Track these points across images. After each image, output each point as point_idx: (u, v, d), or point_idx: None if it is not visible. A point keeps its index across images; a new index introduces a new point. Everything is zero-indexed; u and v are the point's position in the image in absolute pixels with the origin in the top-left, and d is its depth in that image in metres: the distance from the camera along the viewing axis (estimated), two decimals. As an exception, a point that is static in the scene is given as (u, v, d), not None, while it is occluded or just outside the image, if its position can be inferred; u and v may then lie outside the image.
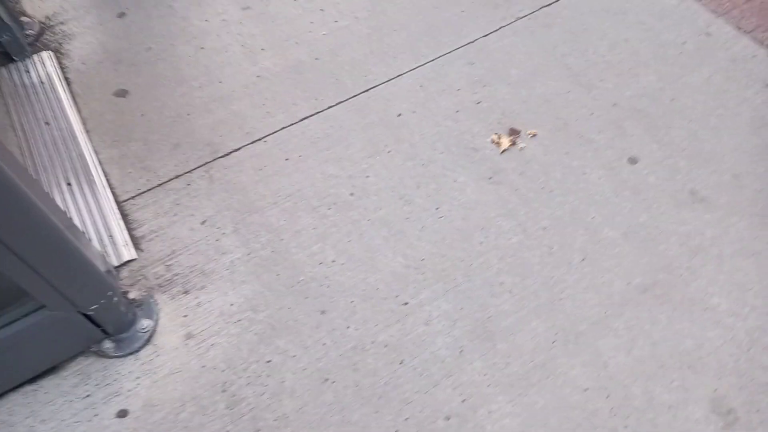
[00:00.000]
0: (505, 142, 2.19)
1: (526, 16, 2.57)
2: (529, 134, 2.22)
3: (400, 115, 2.29)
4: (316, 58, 2.48)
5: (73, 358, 1.81)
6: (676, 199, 2.05)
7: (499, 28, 2.53)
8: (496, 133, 2.22)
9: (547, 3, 2.60)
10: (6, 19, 2.35)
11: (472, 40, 2.50)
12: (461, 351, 1.79)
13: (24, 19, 2.62)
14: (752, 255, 1.94)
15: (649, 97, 2.29)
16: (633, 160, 2.14)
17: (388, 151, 2.20)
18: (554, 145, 2.19)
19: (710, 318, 1.83)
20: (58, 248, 1.51)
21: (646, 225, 2.00)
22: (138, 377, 1.78)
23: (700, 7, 2.53)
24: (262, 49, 2.52)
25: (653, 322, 1.83)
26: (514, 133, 2.22)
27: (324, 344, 1.81)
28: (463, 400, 1.71)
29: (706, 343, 1.79)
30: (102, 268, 1.74)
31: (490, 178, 2.12)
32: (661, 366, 1.76)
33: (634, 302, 1.86)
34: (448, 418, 1.69)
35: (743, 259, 1.93)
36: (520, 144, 2.20)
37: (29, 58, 2.51)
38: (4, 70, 2.48)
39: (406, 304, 1.87)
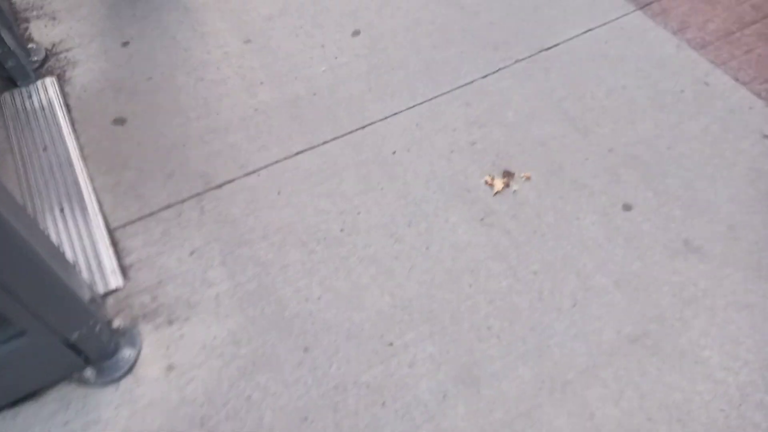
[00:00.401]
0: (499, 183, 2.19)
1: (524, 59, 2.59)
2: (523, 177, 2.21)
3: (394, 152, 2.30)
4: (314, 94, 2.50)
5: (54, 384, 1.79)
6: (670, 249, 2.03)
7: (498, 69, 2.55)
8: (489, 175, 2.22)
9: (546, 47, 2.62)
10: (13, 46, 2.39)
11: (469, 81, 2.52)
12: (445, 395, 1.75)
13: (31, 45, 2.67)
14: (746, 308, 1.91)
15: (646, 144, 2.29)
16: (627, 207, 2.13)
17: (381, 189, 2.19)
18: (548, 189, 2.18)
19: (701, 371, 1.79)
20: (40, 277, 1.50)
21: (639, 273, 1.98)
22: (117, 406, 1.75)
23: (698, 56, 2.54)
24: (261, 83, 2.54)
25: (642, 373, 1.79)
26: (508, 175, 2.22)
27: (305, 382, 1.78)
28: (445, 447, 1.67)
29: (696, 397, 1.75)
30: (87, 296, 1.73)
31: (482, 219, 2.11)
32: (649, 419, 1.72)
33: (624, 352, 1.83)
34: (428, 465, 1.65)
35: (736, 312, 1.90)
36: (514, 186, 2.19)
37: (33, 83, 2.55)
38: (7, 95, 2.51)
39: (391, 344, 1.85)
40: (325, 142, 2.34)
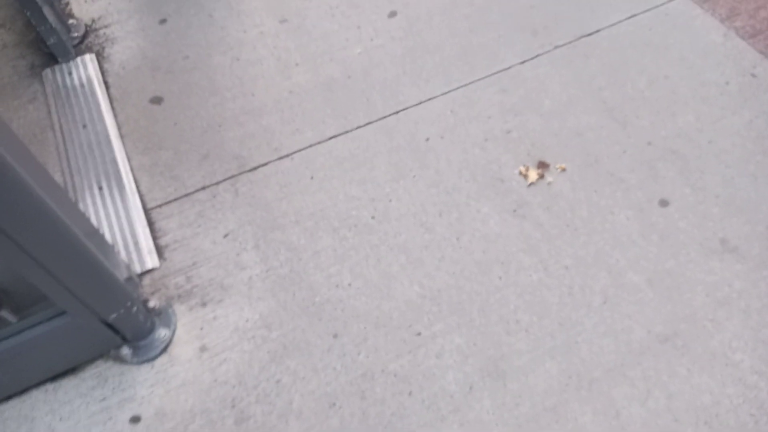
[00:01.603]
0: (533, 174, 2.17)
1: (564, 45, 2.53)
2: (558, 168, 2.19)
3: (428, 139, 2.28)
4: (349, 77, 2.49)
5: (92, 360, 1.87)
6: (706, 247, 1.99)
7: (536, 56, 2.50)
8: (524, 165, 2.20)
9: (587, 33, 2.56)
10: (54, 22, 2.42)
11: (506, 67, 2.47)
12: (471, 387, 1.77)
13: (71, 21, 2.70)
14: (781, 311, 1.88)
15: (686, 138, 2.23)
16: (664, 203, 2.09)
17: (413, 176, 2.19)
18: (583, 182, 2.15)
19: (732, 374, 1.78)
20: (79, 259, 1.55)
21: (672, 272, 1.95)
22: (152, 385, 1.82)
23: (746, 46, 2.45)
24: (296, 64, 2.54)
25: (671, 373, 1.78)
26: (542, 166, 2.19)
27: (334, 368, 1.82)
28: (469, 439, 1.70)
29: (725, 400, 1.74)
30: (124, 275, 1.78)
31: (515, 211, 2.10)
32: (675, 420, 1.71)
33: (653, 352, 1.82)
34: (452, 456, 1.68)
35: (771, 315, 1.87)
36: (548, 178, 2.17)
37: (73, 60, 2.58)
38: (48, 71, 2.55)
39: (419, 334, 1.87)
40: (358, 127, 2.34)
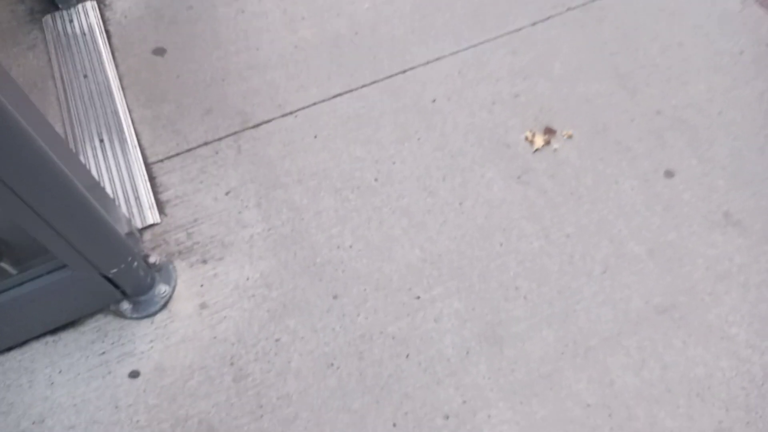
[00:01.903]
0: (539, 140, 2.14)
1: (577, 7, 2.46)
2: (565, 135, 2.16)
3: (434, 101, 2.25)
4: (356, 33, 2.43)
5: (92, 314, 1.88)
6: (709, 220, 1.98)
7: (548, 17, 2.44)
8: (530, 131, 2.17)
9: (602, -5, 2.49)
10: (52, -34, 2.35)
11: (517, 28, 2.41)
12: (468, 352, 1.79)
13: (70, -35, 2.62)
14: (780, 286, 1.88)
15: (696, 108, 2.19)
16: (669, 174, 2.07)
17: (418, 138, 2.16)
18: (589, 150, 2.12)
19: (726, 348, 1.79)
20: (81, 213, 1.54)
21: (674, 244, 1.95)
22: (152, 341, 1.83)
23: (765, 14, 2.39)
24: (302, 18, 2.48)
25: (667, 345, 1.80)
26: (549, 132, 2.16)
27: (333, 329, 1.83)
28: (464, 402, 1.72)
29: (718, 373, 1.76)
30: (125, 230, 1.78)
31: (519, 177, 2.08)
32: (668, 390, 1.74)
33: (650, 322, 1.83)
34: (447, 418, 1.71)
35: (770, 290, 1.87)
36: (555, 144, 2.14)
37: (74, 6, 2.52)
38: (48, 18, 2.49)
39: (418, 298, 1.88)
40: (363, 86, 2.29)
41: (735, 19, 2.39)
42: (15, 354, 1.81)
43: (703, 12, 2.42)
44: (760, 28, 2.37)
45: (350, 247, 1.96)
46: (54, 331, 1.83)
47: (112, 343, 1.81)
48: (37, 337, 1.83)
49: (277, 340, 1.82)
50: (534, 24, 2.43)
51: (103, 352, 1.80)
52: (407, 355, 1.79)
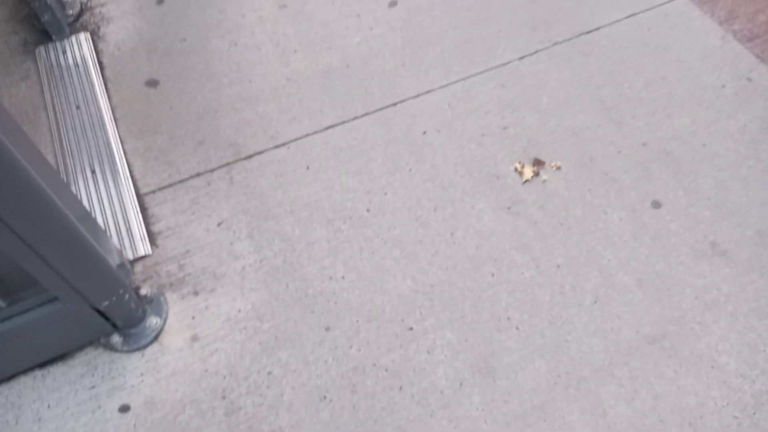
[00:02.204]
0: (528, 172, 2.17)
1: (564, 41, 2.52)
2: (554, 166, 2.19)
3: (425, 133, 2.28)
4: (347, 66, 2.47)
5: (81, 348, 1.86)
6: (696, 250, 2.01)
7: (535, 51, 2.50)
8: (519, 162, 2.20)
9: (587, 30, 2.55)
10: (48, -1, 2.37)
11: (505, 62, 2.47)
12: (461, 384, 1.79)
13: (65, -2, 2.65)
14: None
15: (680, 140, 2.24)
16: (656, 205, 2.11)
17: (409, 170, 2.19)
18: (578, 181, 2.16)
19: (717, 377, 1.81)
20: (72, 244, 1.53)
21: (662, 274, 1.97)
22: (142, 374, 1.82)
23: (744, 50, 2.46)
24: (294, 51, 2.52)
25: (658, 375, 1.81)
26: (538, 163, 2.20)
27: (325, 361, 1.83)
28: (458, 434, 1.72)
29: (710, 402, 1.77)
30: (116, 262, 1.77)
31: (509, 208, 2.10)
32: (660, 420, 1.74)
33: (641, 352, 1.84)
34: (441, 450, 1.70)
35: (758, 320, 1.90)
36: (543, 176, 2.17)
37: (67, 38, 2.54)
38: (42, 49, 2.51)
39: (410, 329, 1.88)
40: (355, 118, 2.32)
41: (716, 54, 2.46)
42: (2, 389, 1.78)
43: (685, 47, 2.49)
44: (740, 62, 2.44)
45: (342, 278, 1.97)
46: (42, 365, 1.81)
47: (102, 377, 1.79)
48: (25, 371, 1.81)
49: (269, 373, 1.80)
50: (522, 58, 2.49)
51: (93, 386, 1.78)
52: (400, 388, 1.79)
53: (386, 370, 1.81)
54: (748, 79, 2.39)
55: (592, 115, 2.31)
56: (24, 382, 1.79)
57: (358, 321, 1.89)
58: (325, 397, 1.76)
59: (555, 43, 2.52)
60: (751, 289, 1.95)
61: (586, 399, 1.77)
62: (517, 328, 1.88)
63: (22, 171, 1.31)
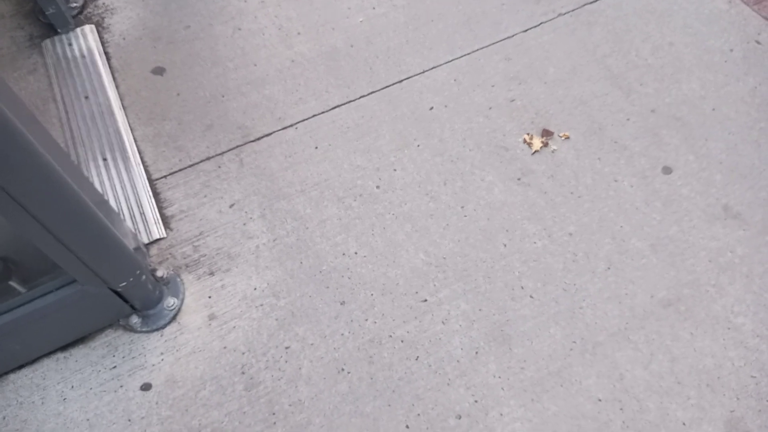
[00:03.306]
0: (537, 142, 2.17)
1: (568, 12, 2.51)
2: (562, 136, 2.19)
3: (432, 108, 2.28)
4: (351, 45, 2.47)
5: (102, 329, 1.88)
6: (709, 214, 2.01)
7: (540, 23, 2.49)
8: (528, 133, 2.20)
9: (591, 0, 2.54)
10: (52, -9, 2.39)
11: (510, 35, 2.46)
12: (477, 352, 1.80)
13: (69, -9, 2.66)
14: (783, 275, 1.90)
15: (690, 105, 2.23)
16: (667, 170, 2.10)
17: (417, 145, 2.19)
18: (587, 150, 2.15)
19: (734, 338, 1.81)
20: (89, 227, 1.55)
21: (675, 238, 1.97)
22: (162, 353, 1.84)
23: (751, 12, 2.44)
24: (298, 33, 2.52)
25: (674, 337, 1.81)
26: (546, 134, 2.20)
27: (342, 335, 1.84)
28: (475, 401, 1.73)
29: (727, 363, 1.77)
30: (132, 245, 1.79)
31: (519, 179, 2.10)
32: (678, 382, 1.75)
33: (656, 316, 1.84)
34: (459, 418, 1.71)
35: (773, 280, 1.89)
36: (552, 146, 2.17)
37: (73, 30, 2.56)
38: (48, 42, 2.53)
39: (425, 301, 1.89)
40: (361, 96, 2.33)
41: (723, 18, 2.44)
42: (26, 371, 1.81)
43: (691, 12, 2.47)
44: (748, 25, 2.41)
45: (355, 253, 1.98)
46: (64, 348, 1.84)
47: (123, 357, 1.82)
48: (48, 354, 1.84)
49: (286, 348, 1.82)
50: (526, 30, 2.48)
51: (114, 366, 1.81)
52: (417, 358, 1.80)
53: (402, 341, 1.82)
54: (757, 42, 2.37)
55: (600, 84, 2.30)
56: (47, 365, 1.82)
57: (372, 294, 1.90)
58: (342, 369, 1.78)
59: (559, 15, 2.51)
60: (765, 250, 1.94)
61: (603, 364, 1.78)
62: (531, 297, 1.89)
63: (40, 158, 1.32)
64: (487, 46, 2.44)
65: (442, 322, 1.85)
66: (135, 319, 1.86)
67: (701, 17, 2.45)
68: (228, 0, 2.64)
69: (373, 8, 2.58)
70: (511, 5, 2.55)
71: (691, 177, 2.08)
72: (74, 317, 1.78)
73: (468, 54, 2.42)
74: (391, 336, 1.83)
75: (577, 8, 2.52)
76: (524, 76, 2.34)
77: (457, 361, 1.79)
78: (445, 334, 1.83)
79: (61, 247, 1.52)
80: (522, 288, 1.90)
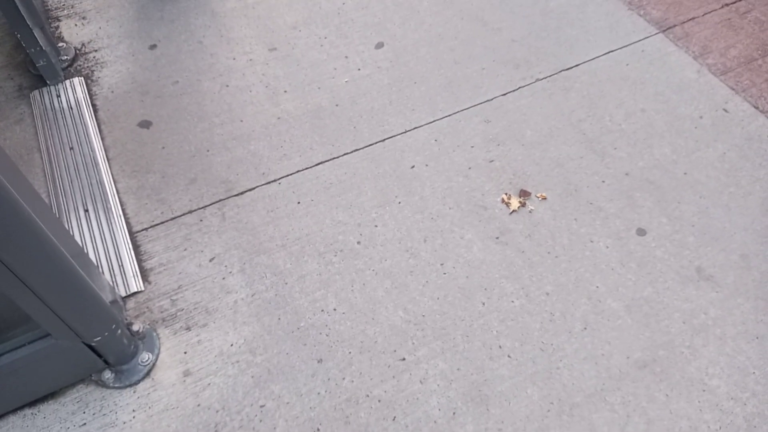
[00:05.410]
0: (515, 202, 2.22)
1: (545, 78, 2.61)
2: (539, 197, 2.24)
3: (413, 167, 2.33)
4: (336, 105, 2.53)
5: (73, 385, 1.84)
6: (682, 276, 2.05)
7: (518, 87, 2.58)
8: (506, 193, 2.25)
9: (567, 67, 2.64)
10: (44, 45, 2.44)
11: (489, 98, 2.54)
12: (454, 413, 1.79)
13: (60, 44, 2.72)
14: (756, 338, 1.93)
15: (662, 169, 2.31)
16: (641, 232, 2.15)
17: (399, 203, 2.23)
18: (563, 210, 2.20)
19: (708, 400, 1.82)
20: (66, 280, 1.54)
21: (650, 299, 2.00)
22: (134, 410, 1.80)
23: (719, 82, 2.56)
24: (284, 91, 2.58)
25: (650, 399, 1.81)
26: (524, 194, 2.25)
27: (318, 393, 1.82)
28: (452, 464, 1.71)
29: (703, 426, 1.78)
30: (109, 298, 1.78)
31: (497, 238, 2.14)
32: (654, 445, 1.74)
33: (632, 377, 1.85)
34: (436, 481, 1.68)
35: (746, 342, 1.92)
36: (530, 206, 2.22)
37: (62, 82, 2.60)
38: (37, 93, 2.57)
39: (403, 359, 1.88)
40: (345, 154, 2.38)
41: (692, 87, 2.55)
42: (-9, 428, 1.76)
43: (662, 80, 2.58)
44: (716, 95, 2.52)
45: (334, 310, 1.98)
46: (33, 403, 1.79)
47: (94, 414, 1.78)
48: (15, 410, 1.79)
49: (261, 406, 1.80)
50: (505, 94, 2.56)
51: (84, 423, 1.76)
52: (394, 418, 1.78)
53: (379, 400, 1.81)
54: (725, 110, 2.47)
55: (576, 147, 2.38)
56: (13, 422, 1.77)
57: (350, 352, 1.89)
58: (318, 430, 1.75)
59: (537, 80, 2.60)
60: (738, 313, 1.98)
61: (580, 425, 1.77)
62: (508, 356, 1.89)
63: (18, 208, 1.33)
64: (467, 108, 2.51)
65: (420, 382, 1.84)
66: (108, 375, 1.83)
67: (672, 85, 2.56)
68: (216, 57, 2.71)
69: (358, 69, 2.66)
70: (491, 70, 2.65)
71: (664, 239, 2.13)
72: (45, 372, 1.75)
73: (449, 115, 2.49)
74: (368, 395, 1.82)
75: (553, 74, 2.62)
76: (503, 138, 2.41)
77: (435, 422, 1.77)
78: (422, 394, 1.82)
79: (36, 300, 1.50)
80: (500, 347, 1.91)
